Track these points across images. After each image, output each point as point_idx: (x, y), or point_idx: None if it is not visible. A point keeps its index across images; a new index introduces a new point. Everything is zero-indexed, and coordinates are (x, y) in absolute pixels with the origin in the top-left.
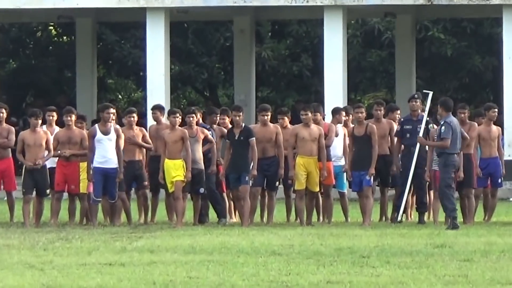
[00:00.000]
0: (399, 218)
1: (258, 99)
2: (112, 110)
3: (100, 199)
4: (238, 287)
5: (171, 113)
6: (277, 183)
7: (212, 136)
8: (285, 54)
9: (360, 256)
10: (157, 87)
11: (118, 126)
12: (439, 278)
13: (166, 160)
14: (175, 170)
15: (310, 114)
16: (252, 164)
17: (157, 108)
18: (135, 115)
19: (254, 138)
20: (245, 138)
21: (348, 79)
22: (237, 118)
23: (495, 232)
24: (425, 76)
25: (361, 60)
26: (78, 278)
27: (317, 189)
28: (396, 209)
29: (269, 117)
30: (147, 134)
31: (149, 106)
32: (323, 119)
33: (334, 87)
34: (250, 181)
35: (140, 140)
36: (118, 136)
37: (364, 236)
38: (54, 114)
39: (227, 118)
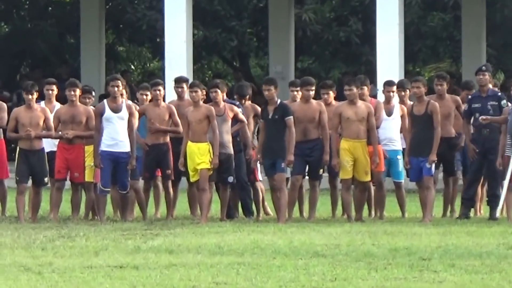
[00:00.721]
0: (480, 211)
1: (298, 71)
2: (119, 83)
3: (109, 190)
4: None
5: (190, 86)
6: (321, 170)
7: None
8: (330, 18)
9: (419, 258)
10: (177, 56)
11: (131, 102)
12: None
13: (189, 143)
14: (199, 156)
15: (355, 90)
16: (292, 147)
17: (184, 81)
18: (161, 88)
19: (291, 117)
20: (280, 116)
21: (405, 47)
22: (267, 93)
23: None
24: (497, 44)
25: (421, 25)
26: (82, 283)
27: (367, 178)
28: (464, 203)
29: (313, 92)
30: (175, 112)
31: (168, 78)
32: (375, 96)
33: (389, 57)
34: (288, 169)
35: (166, 119)
36: (131, 114)
37: (424, 235)
38: (54, 87)
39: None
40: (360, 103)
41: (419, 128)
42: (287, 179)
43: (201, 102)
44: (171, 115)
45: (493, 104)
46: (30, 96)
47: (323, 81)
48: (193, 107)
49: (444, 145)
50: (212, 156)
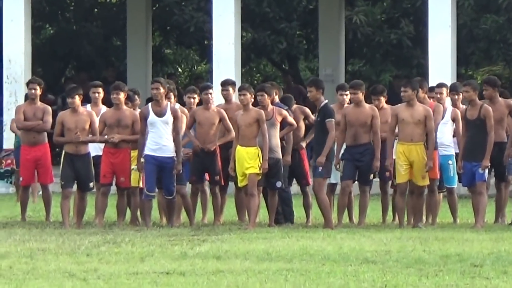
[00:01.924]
0: None
1: (348, 74)
2: (159, 85)
3: (154, 194)
4: None
5: (239, 90)
6: (372, 176)
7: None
8: (381, 20)
9: (471, 264)
10: (225, 59)
11: (177, 106)
12: None
13: (238, 148)
14: (248, 160)
15: (410, 91)
16: (326, 150)
17: (230, 84)
18: (211, 91)
19: (332, 120)
20: (322, 119)
21: (457, 50)
22: (309, 94)
23: None
24: None
25: (474, 28)
26: None
27: (425, 182)
28: None
29: (362, 95)
30: (226, 117)
31: (216, 81)
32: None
33: (441, 60)
34: (337, 172)
35: (216, 124)
36: (175, 118)
37: (476, 241)
38: (100, 90)
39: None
40: (417, 105)
41: (473, 132)
42: (333, 184)
43: (250, 106)
44: (221, 120)
45: None
46: (71, 100)
47: (374, 86)
48: (243, 111)
49: (496, 150)
50: (261, 161)
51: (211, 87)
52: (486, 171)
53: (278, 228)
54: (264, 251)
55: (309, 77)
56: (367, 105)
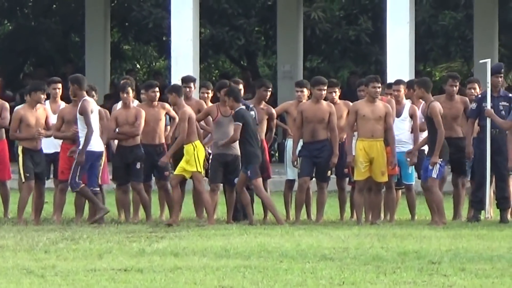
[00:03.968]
0: (489, 214)
1: (307, 70)
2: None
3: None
4: None
5: (202, 86)
6: (329, 172)
7: (255, 117)
8: (340, 16)
9: (429, 262)
10: (184, 55)
11: (135, 103)
12: None
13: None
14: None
15: (379, 88)
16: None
17: (191, 80)
18: (157, 89)
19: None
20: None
21: (416, 47)
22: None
23: None
24: (509, 43)
25: (432, 24)
26: (86, 286)
27: (384, 179)
28: (472, 205)
29: (325, 92)
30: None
31: (174, 77)
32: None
33: (399, 56)
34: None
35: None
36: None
37: (434, 238)
38: (60, 86)
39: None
40: (378, 101)
41: (428, 129)
42: (291, 181)
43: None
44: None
45: (504, 105)
46: (43, 96)
47: (329, 80)
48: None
49: (453, 146)
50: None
51: (156, 85)
52: (436, 167)
53: (236, 225)
54: (222, 248)
55: (268, 74)
56: (324, 102)
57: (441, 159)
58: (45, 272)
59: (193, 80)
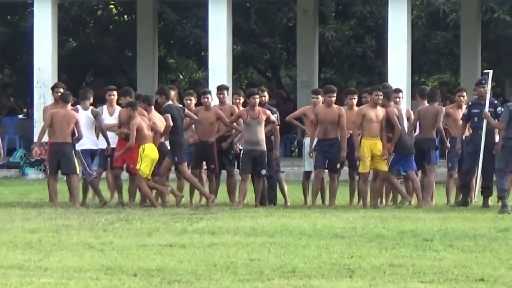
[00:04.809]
0: (474, 199)
1: (321, 81)
2: (114, 93)
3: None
4: (300, 270)
5: (234, 93)
6: (339, 165)
7: (277, 118)
8: (349, 35)
9: (423, 239)
10: (219, 67)
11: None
12: (503, 262)
13: None
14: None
15: (382, 96)
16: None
17: (224, 88)
18: (209, 96)
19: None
20: None
21: (412, 61)
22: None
23: None
24: (491, 58)
25: (426, 42)
26: (138, 259)
27: (385, 168)
28: (461, 190)
29: (334, 98)
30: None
31: (211, 86)
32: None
33: (398, 69)
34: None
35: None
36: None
37: (427, 220)
38: (115, 93)
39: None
40: (378, 107)
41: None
42: (308, 172)
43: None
44: (219, 118)
45: (490, 111)
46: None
47: (350, 88)
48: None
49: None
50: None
51: (209, 92)
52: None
53: (263, 209)
54: (251, 227)
55: (289, 83)
56: (335, 106)
57: (394, 152)
58: (103, 247)
59: (227, 88)
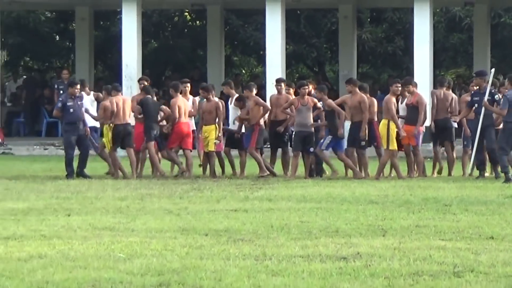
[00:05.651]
0: (469, 171)
1: (359, 74)
2: (188, 85)
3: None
4: (342, 230)
5: (287, 84)
6: (363, 143)
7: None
8: (382, 37)
9: (443, 204)
10: (275, 64)
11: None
12: (509, 223)
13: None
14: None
15: (400, 88)
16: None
17: (281, 80)
18: (282, 84)
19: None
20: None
21: (434, 58)
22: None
23: None
24: (498, 55)
25: (445, 42)
26: (208, 222)
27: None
28: (477, 167)
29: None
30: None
31: (268, 79)
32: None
33: (422, 64)
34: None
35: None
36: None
37: (446, 188)
38: (189, 85)
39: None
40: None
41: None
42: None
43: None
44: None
45: (489, 99)
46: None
47: (406, 79)
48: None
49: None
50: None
51: (283, 80)
52: (326, 141)
53: (311, 180)
54: (301, 195)
55: (332, 77)
56: (358, 94)
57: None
58: (180, 212)
59: (284, 81)
